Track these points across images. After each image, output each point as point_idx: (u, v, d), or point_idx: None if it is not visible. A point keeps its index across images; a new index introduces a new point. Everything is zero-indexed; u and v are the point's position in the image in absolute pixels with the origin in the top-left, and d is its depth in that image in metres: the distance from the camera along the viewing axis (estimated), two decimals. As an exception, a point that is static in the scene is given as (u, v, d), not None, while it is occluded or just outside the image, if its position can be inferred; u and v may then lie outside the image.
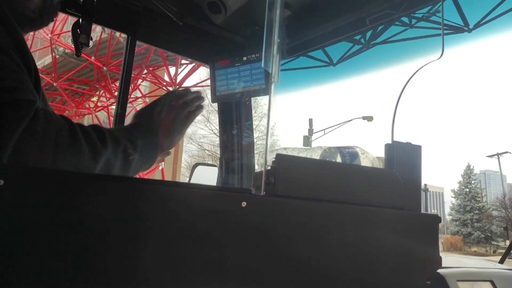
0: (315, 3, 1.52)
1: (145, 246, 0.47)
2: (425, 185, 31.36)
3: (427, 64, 0.70)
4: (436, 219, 0.68)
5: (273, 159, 0.58)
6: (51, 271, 0.42)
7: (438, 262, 0.66)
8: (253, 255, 0.53)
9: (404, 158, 0.67)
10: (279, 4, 0.61)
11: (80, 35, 1.37)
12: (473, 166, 40.80)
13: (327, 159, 0.73)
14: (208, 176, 2.05)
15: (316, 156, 0.73)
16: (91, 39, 1.41)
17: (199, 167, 2.12)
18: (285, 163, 0.58)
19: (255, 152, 1.92)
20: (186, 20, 1.71)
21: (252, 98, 1.96)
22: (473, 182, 39.65)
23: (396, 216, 0.65)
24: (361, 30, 1.55)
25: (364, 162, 0.73)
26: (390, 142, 0.68)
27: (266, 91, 1.75)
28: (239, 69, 1.74)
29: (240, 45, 1.82)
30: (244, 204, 0.53)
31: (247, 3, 1.57)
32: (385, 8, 1.35)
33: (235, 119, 1.98)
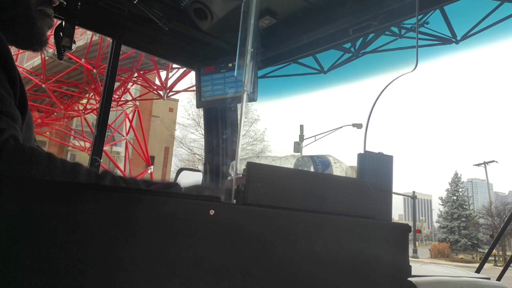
0: (300, 13, 1.53)
1: (114, 250, 0.47)
2: (414, 192, 31.57)
3: (399, 77, 0.71)
4: (406, 228, 0.68)
5: (244, 167, 0.59)
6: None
7: (407, 271, 0.67)
8: (220, 262, 0.53)
9: (376, 168, 0.68)
10: (253, 15, 0.62)
11: (63, 38, 1.36)
12: (460, 175, 41.25)
13: (300, 168, 0.73)
14: (192, 182, 2.04)
15: (289, 164, 0.73)
16: (74, 42, 1.40)
17: (184, 172, 2.11)
18: (255, 172, 0.58)
19: (240, 158, 1.92)
20: (172, 26, 1.71)
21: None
22: (460, 190, 40.08)
23: (366, 225, 0.65)
24: (345, 40, 1.57)
25: (337, 171, 0.73)
26: (362, 151, 0.68)
27: (251, 98, 1.76)
28: (224, 75, 1.74)
29: (226, 52, 1.83)
30: (212, 212, 0.53)
31: (233, 10, 1.58)
32: (367, 19, 1.37)
33: (220, 124, 1.98)
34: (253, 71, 0.64)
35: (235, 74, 0.62)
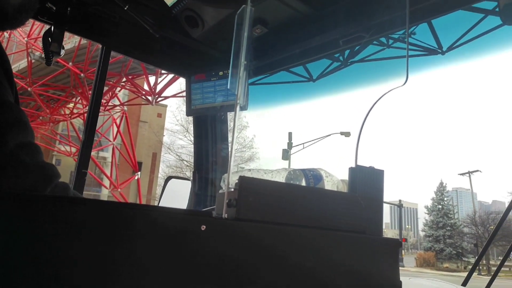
0: (291, 22, 1.54)
1: (103, 268, 0.46)
2: (400, 201, 31.92)
3: (390, 90, 0.72)
4: (397, 243, 0.68)
5: (236, 181, 0.58)
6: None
7: (398, 287, 0.67)
8: (211, 280, 0.52)
9: (367, 182, 0.68)
10: (247, 27, 0.62)
11: (52, 43, 1.34)
12: (445, 183, 41.87)
13: (292, 181, 0.73)
14: (181, 190, 2.01)
15: (281, 178, 0.73)
16: (63, 48, 1.38)
17: (172, 180, 2.08)
18: (247, 186, 0.57)
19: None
20: (163, 33, 1.70)
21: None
22: (445, 199, 40.66)
23: (357, 240, 0.65)
24: (335, 50, 1.59)
25: (328, 185, 0.73)
26: (353, 165, 0.68)
27: (242, 108, 1.75)
28: (215, 83, 1.74)
29: (217, 60, 1.83)
30: (203, 227, 0.52)
31: (225, 18, 1.58)
32: (358, 31, 1.38)
33: (210, 133, 1.97)
34: (246, 83, 0.63)
35: (228, 87, 0.61)
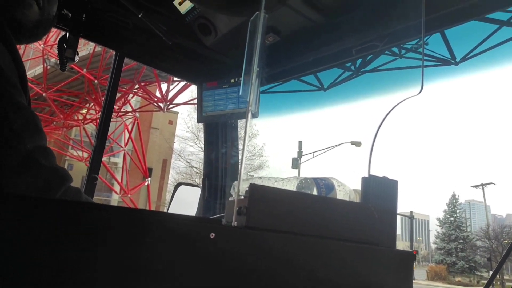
0: (303, 31, 1.54)
1: (111, 273, 0.45)
2: (411, 212, 31.43)
3: (406, 99, 0.70)
4: (411, 256, 0.66)
5: (247, 189, 0.57)
6: None
7: (411, 301, 0.65)
8: (219, 286, 0.51)
9: (380, 193, 0.66)
10: (260, 35, 0.61)
11: (66, 49, 1.36)
12: (458, 196, 41.16)
13: (303, 190, 0.72)
14: (190, 197, 2.01)
15: (292, 186, 0.71)
16: (77, 54, 1.40)
17: (182, 187, 2.08)
18: (258, 194, 0.56)
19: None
20: (176, 40, 1.72)
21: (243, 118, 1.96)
22: (458, 211, 39.93)
23: (370, 252, 0.63)
24: (347, 59, 1.58)
25: (340, 194, 0.72)
26: (367, 175, 0.67)
27: (254, 115, 1.75)
28: (226, 91, 1.74)
29: (228, 67, 1.83)
30: (212, 235, 0.51)
31: (237, 26, 1.59)
32: (371, 39, 1.37)
33: (220, 140, 1.97)
34: (258, 90, 0.63)
35: (240, 93, 0.61)
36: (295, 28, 1.55)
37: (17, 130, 0.69)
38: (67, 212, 0.43)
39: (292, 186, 0.71)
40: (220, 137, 1.96)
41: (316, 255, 0.58)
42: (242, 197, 0.57)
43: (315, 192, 0.71)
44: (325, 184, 0.71)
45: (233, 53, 1.78)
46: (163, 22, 1.65)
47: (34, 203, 0.43)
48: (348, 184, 0.74)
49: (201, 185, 2.01)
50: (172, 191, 2.03)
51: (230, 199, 0.61)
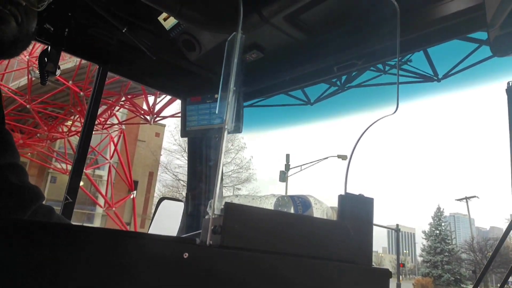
0: (286, 48, 1.56)
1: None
2: (397, 225, 31.63)
3: (380, 118, 0.72)
4: (387, 274, 0.67)
5: (222, 207, 0.57)
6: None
7: (388, 319, 0.65)
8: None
9: (356, 210, 0.67)
10: (237, 54, 0.62)
11: (48, 63, 1.35)
12: (443, 209, 41.66)
13: (280, 208, 0.72)
14: (173, 212, 1.99)
15: (269, 204, 0.72)
16: (59, 68, 1.39)
17: (165, 201, 2.06)
18: (233, 213, 0.56)
19: (223, 188, 1.90)
20: (160, 55, 1.72)
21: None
22: (443, 224, 40.38)
23: (346, 270, 0.63)
24: (329, 76, 1.61)
25: (317, 212, 0.72)
26: (343, 193, 0.67)
27: (237, 130, 1.76)
28: (210, 105, 1.75)
29: (212, 83, 1.84)
30: (186, 255, 0.51)
31: (221, 42, 1.60)
32: (351, 58, 1.40)
33: (204, 154, 1.97)
34: (235, 108, 0.63)
35: (217, 112, 0.61)
36: (278, 45, 1.58)
37: None
38: (33, 233, 0.43)
39: (269, 204, 0.71)
40: (204, 152, 1.96)
41: (292, 274, 0.58)
42: (217, 216, 0.57)
43: (292, 210, 0.71)
44: (302, 202, 0.72)
45: (217, 68, 1.79)
46: (147, 38, 1.65)
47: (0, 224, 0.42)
48: (327, 201, 0.75)
49: (184, 200, 2.00)
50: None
51: (206, 217, 0.61)
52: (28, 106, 15.80)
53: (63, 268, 0.44)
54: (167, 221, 1.94)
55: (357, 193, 0.71)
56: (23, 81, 16.29)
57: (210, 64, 1.78)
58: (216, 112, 0.56)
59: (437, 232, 39.33)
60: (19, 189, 0.70)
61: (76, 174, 1.52)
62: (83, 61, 14.29)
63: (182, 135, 1.84)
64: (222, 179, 0.60)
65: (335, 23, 1.42)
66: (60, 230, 0.47)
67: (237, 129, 1.75)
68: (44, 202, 0.81)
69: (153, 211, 2.04)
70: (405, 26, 1.08)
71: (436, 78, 5.42)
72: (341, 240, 0.64)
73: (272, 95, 1.96)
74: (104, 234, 0.48)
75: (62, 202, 1.46)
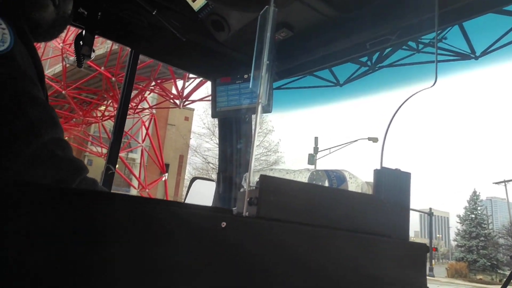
0: (317, 26, 1.53)
1: (126, 257, 0.47)
2: (430, 209, 30.88)
3: (419, 91, 0.70)
4: (424, 248, 0.66)
5: (257, 180, 0.58)
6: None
7: (424, 293, 0.64)
8: (228, 276, 0.52)
9: (392, 185, 0.66)
10: (269, 28, 0.62)
11: (83, 46, 1.40)
12: (479, 192, 40.22)
13: (314, 182, 0.72)
14: (205, 191, 2.04)
15: (304, 178, 0.72)
16: (93, 51, 1.43)
17: (197, 181, 2.11)
18: (268, 184, 0.57)
19: (253, 169, 1.92)
20: (190, 36, 1.73)
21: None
22: (479, 208, 39.07)
23: (382, 243, 0.63)
24: (361, 54, 1.56)
25: (352, 186, 0.72)
26: (379, 167, 0.67)
27: (267, 109, 1.76)
28: (240, 86, 1.75)
29: (242, 63, 1.84)
30: (223, 224, 0.52)
31: (250, 22, 1.59)
32: (385, 33, 1.35)
33: (234, 135, 1.99)
34: (268, 83, 0.63)
35: (250, 86, 0.61)
36: (308, 23, 1.55)
37: (34, 123, 0.71)
38: (82, 201, 0.45)
39: (303, 178, 0.71)
40: (234, 132, 1.97)
41: (326, 246, 0.59)
42: (253, 188, 0.58)
43: (326, 184, 0.71)
44: (336, 176, 0.71)
45: (246, 48, 1.79)
46: (177, 19, 1.66)
47: (51, 192, 0.45)
48: (361, 177, 0.74)
49: (216, 179, 2.03)
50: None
51: (242, 190, 0.62)
52: (63, 92, 16.41)
53: (107, 235, 0.46)
54: (200, 200, 1.99)
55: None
56: (58, 67, 16.88)
57: (239, 44, 1.78)
58: (250, 87, 0.56)
59: (473, 216, 38.12)
60: (65, 162, 0.74)
61: (116, 142, 1.59)
62: (114, 47, 14.61)
63: (213, 116, 1.86)
64: (252, 153, 0.61)
65: (367, -3, 1.37)
66: (104, 198, 0.49)
67: (267, 109, 1.74)
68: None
69: (184, 192, 2.09)
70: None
71: (473, 56, 5.15)
72: (377, 214, 0.64)
73: (302, 74, 1.93)
74: (143, 203, 0.50)
75: (103, 173, 1.55)
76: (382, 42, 1.42)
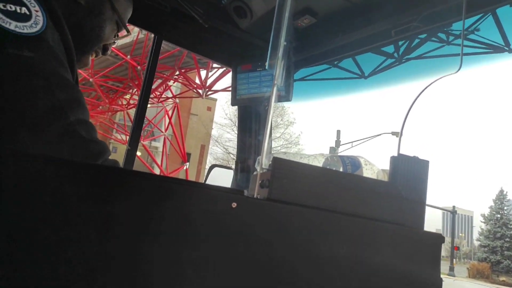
0: (340, 12, 1.50)
1: (136, 237, 0.48)
2: (454, 207, 30.10)
3: (442, 77, 0.67)
4: (439, 238, 0.64)
5: (270, 162, 0.57)
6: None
7: (438, 285, 0.63)
8: (238, 256, 0.52)
9: (409, 173, 0.64)
10: (288, 8, 0.61)
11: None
12: (506, 192, 38.89)
13: (329, 167, 0.71)
14: (223, 178, 2.05)
15: (318, 163, 0.71)
16: (118, 37, 1.45)
17: (216, 168, 2.13)
18: (281, 167, 0.57)
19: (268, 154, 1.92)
20: (212, 23, 1.73)
21: (280, 105, 1.96)
22: (505, 208, 37.82)
23: (395, 231, 0.62)
24: (386, 41, 1.52)
25: (367, 173, 0.70)
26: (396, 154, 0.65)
27: (286, 98, 1.74)
28: (260, 73, 1.74)
29: (263, 50, 1.82)
30: (234, 205, 0.52)
31: (273, 8, 1.57)
32: (411, 20, 1.31)
33: (254, 123, 1.98)
34: (285, 67, 0.62)
35: (266, 67, 0.61)
36: (332, 9, 1.51)
37: (60, 104, 0.73)
38: (104, 175, 0.46)
39: (318, 163, 0.71)
40: (254, 120, 1.97)
41: (338, 232, 0.58)
42: (266, 171, 0.57)
43: (341, 170, 0.70)
44: (352, 162, 0.70)
45: (268, 35, 1.76)
46: (200, 5, 1.66)
47: (74, 166, 0.46)
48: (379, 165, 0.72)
49: (234, 167, 2.04)
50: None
51: (255, 173, 0.62)
52: (91, 79, 16.80)
53: (125, 208, 0.47)
54: (218, 187, 2.01)
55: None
56: (86, 55, 17.24)
57: (261, 31, 1.76)
58: (266, 68, 0.55)
59: (498, 216, 36.96)
60: (88, 143, 0.76)
61: (138, 127, 1.62)
62: (140, 36, 14.81)
63: (233, 103, 1.86)
64: (271, 134, 0.60)
65: (394, -17, 1.33)
66: (124, 174, 0.50)
67: (287, 98, 1.73)
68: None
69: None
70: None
71: (507, 49, 4.93)
72: (391, 201, 0.62)
73: (324, 62, 1.90)
74: (157, 180, 0.51)
75: (125, 153, 1.60)
76: (408, 30, 1.38)
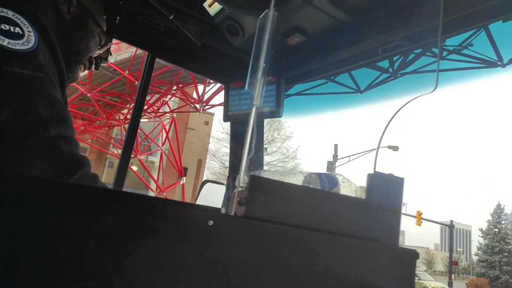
0: (330, 31, 1.54)
1: (110, 256, 0.49)
2: (451, 221, 29.99)
3: (417, 97, 0.70)
4: (414, 255, 0.65)
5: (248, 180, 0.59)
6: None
7: (413, 300, 0.64)
8: (215, 275, 0.53)
9: (384, 189, 0.66)
10: (268, 30, 0.63)
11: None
12: (503, 206, 38.78)
13: (307, 185, 0.73)
14: (216, 194, 2.06)
15: (297, 181, 0.73)
16: (110, 54, 1.48)
17: (208, 184, 2.14)
18: (258, 185, 0.58)
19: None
20: (205, 41, 1.77)
21: (276, 119, 1.99)
22: (503, 222, 37.71)
23: (370, 247, 0.63)
24: (373, 59, 1.56)
25: (345, 190, 0.72)
26: (372, 172, 0.67)
27: (277, 113, 1.77)
28: (251, 90, 1.77)
29: (254, 68, 1.86)
30: (211, 222, 0.54)
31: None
32: (397, 39, 1.35)
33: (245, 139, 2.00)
34: (264, 84, 0.65)
35: (245, 88, 0.63)
36: (322, 28, 1.56)
37: (43, 119, 0.75)
38: (73, 194, 0.48)
39: (296, 181, 0.72)
40: (245, 136, 1.99)
41: (314, 248, 0.59)
42: (244, 188, 0.59)
43: (319, 187, 0.72)
44: (329, 180, 0.72)
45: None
46: (193, 24, 1.70)
47: (44, 185, 0.47)
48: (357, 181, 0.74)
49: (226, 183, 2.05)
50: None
51: (235, 190, 0.64)
52: (88, 94, 16.88)
53: (95, 227, 0.48)
54: (209, 203, 2.02)
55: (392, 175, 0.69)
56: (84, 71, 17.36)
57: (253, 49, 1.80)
58: (245, 88, 0.57)
59: (496, 230, 36.82)
60: (67, 156, 0.77)
61: (133, 128, 1.63)
62: (138, 52, 14.97)
63: (225, 120, 1.88)
64: (250, 153, 0.62)
65: (380, 3, 1.37)
66: (99, 193, 0.52)
67: (278, 113, 1.76)
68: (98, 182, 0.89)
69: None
70: (450, 3, 1.02)
71: (500, 63, 5.01)
72: (366, 218, 0.64)
73: (316, 78, 1.94)
74: (136, 199, 0.52)
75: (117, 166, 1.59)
76: (394, 48, 1.42)
